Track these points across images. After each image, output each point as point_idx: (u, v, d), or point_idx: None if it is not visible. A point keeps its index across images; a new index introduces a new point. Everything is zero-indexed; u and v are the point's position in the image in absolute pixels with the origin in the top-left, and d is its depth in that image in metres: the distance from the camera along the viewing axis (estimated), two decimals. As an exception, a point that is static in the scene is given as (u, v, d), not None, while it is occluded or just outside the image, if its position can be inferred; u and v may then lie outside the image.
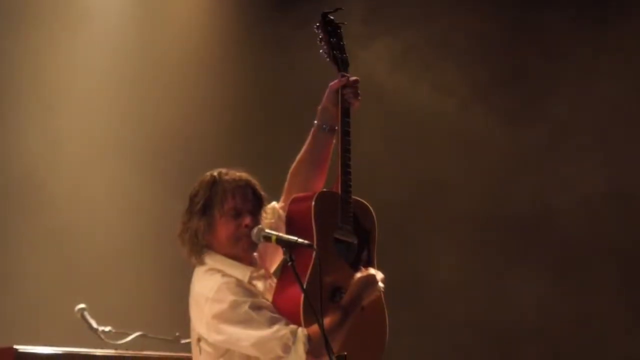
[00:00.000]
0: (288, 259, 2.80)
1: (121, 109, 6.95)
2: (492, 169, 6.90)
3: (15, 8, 6.39)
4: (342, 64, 3.19)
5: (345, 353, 2.77)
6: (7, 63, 6.45)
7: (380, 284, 3.04)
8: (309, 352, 2.81)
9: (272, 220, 3.14)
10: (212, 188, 3.01)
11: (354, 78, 3.19)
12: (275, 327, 2.84)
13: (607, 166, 6.62)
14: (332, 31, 3.21)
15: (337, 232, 3.04)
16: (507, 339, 6.66)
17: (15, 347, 4.14)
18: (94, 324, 4.94)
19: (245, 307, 2.86)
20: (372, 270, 3.05)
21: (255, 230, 2.93)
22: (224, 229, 2.99)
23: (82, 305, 5.02)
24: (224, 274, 2.96)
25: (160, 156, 6.97)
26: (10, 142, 6.34)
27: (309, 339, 2.83)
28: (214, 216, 2.99)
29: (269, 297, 3.00)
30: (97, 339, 4.91)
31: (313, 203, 3.01)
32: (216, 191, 3.00)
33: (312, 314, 2.79)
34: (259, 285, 3.05)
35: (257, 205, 3.03)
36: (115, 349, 4.74)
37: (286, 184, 3.25)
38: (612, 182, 6.59)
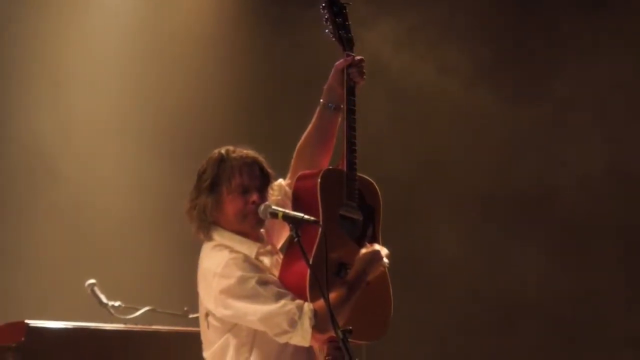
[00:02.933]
0: (294, 235, 2.82)
1: (130, 89, 6.97)
2: (494, 147, 6.94)
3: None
4: (347, 44, 3.20)
5: (351, 327, 2.79)
6: (18, 44, 6.50)
7: (385, 260, 3.07)
8: (315, 327, 2.84)
9: (279, 197, 3.17)
10: (220, 165, 3.03)
11: (359, 57, 3.21)
12: (282, 302, 2.86)
13: (608, 143, 6.66)
14: (337, 11, 3.21)
15: (343, 209, 3.06)
16: (507, 315, 6.72)
17: (27, 321, 4.21)
18: (104, 299, 5.00)
19: (252, 282, 2.89)
20: (376, 246, 3.07)
21: (262, 206, 2.96)
22: (231, 206, 3.01)
23: (92, 281, 5.08)
24: (232, 250, 2.99)
25: (168, 134, 7.01)
26: (22, 122, 6.41)
27: (315, 313, 2.85)
28: (221, 193, 3.02)
29: (276, 272, 3.03)
30: (106, 313, 4.99)
31: (319, 180, 3.03)
32: (224, 168, 3.02)
33: (318, 290, 2.80)
34: (266, 261, 3.08)
35: (264, 182, 3.06)
36: (125, 323, 4.80)
37: (292, 162, 3.27)
38: (612, 160, 6.62)
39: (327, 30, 3.24)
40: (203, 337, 3.10)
